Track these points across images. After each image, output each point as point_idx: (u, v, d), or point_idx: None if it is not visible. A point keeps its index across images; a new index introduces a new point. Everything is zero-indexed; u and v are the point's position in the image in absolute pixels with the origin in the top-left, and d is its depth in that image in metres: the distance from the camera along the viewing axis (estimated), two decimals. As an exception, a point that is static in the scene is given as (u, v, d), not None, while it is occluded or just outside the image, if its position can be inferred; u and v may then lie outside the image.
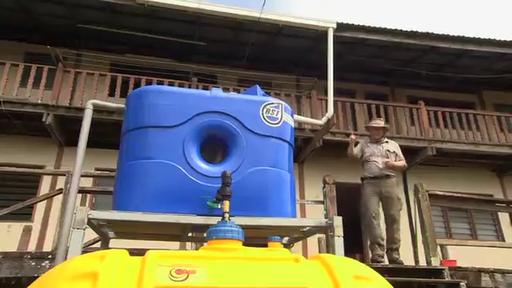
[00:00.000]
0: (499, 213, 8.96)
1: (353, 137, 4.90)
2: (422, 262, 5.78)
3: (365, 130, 5.19)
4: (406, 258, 7.62)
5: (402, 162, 4.92)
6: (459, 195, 5.74)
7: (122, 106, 2.66)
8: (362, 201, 4.84)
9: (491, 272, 4.67)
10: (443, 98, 10.60)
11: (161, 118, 2.37)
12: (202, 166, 2.35)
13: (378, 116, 9.01)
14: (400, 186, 9.45)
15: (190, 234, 2.82)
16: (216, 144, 2.57)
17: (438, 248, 5.46)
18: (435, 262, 4.94)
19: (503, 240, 9.01)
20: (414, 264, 6.86)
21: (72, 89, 8.32)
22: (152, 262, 1.31)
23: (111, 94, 8.03)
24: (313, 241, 6.79)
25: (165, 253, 1.40)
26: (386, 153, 4.83)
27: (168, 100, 2.42)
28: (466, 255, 5.71)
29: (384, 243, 4.76)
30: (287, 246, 3.03)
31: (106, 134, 6.73)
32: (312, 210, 7.90)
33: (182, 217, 2.12)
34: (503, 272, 4.73)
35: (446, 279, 4.51)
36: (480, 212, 9.10)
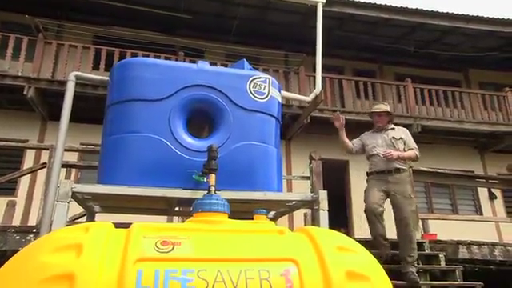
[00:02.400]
0: (479, 188, 9.23)
1: (337, 122, 3.88)
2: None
3: (369, 117, 4.32)
4: (389, 232, 7.87)
5: (413, 152, 3.94)
6: (442, 171, 5.88)
7: (106, 78, 2.59)
8: (364, 195, 4.02)
9: (468, 244, 4.86)
10: (430, 76, 10.66)
11: (146, 91, 2.32)
12: (189, 140, 2.33)
13: (365, 93, 9.04)
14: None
15: (176, 209, 2.83)
16: (202, 118, 2.55)
17: (420, 222, 5.65)
18: (416, 236, 5.10)
19: (481, 214, 9.33)
20: (396, 237, 7.06)
21: (54, 61, 8.06)
22: (137, 233, 1.31)
23: (95, 67, 7.82)
24: (299, 216, 6.91)
25: (150, 225, 1.40)
26: (392, 141, 3.95)
27: (153, 73, 2.37)
28: (447, 229, 5.91)
29: (387, 244, 3.97)
30: (273, 220, 3.07)
31: (91, 108, 6.59)
32: (298, 186, 8.00)
33: (167, 191, 2.11)
34: (479, 244, 4.93)
35: (426, 252, 4.68)
36: (461, 188, 9.35)
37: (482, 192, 9.60)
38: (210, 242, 1.38)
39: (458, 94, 9.56)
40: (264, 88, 2.59)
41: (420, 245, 4.80)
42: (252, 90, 2.54)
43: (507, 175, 5.47)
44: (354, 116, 8.81)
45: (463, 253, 4.76)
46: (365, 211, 3.92)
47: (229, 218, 1.68)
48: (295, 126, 8.78)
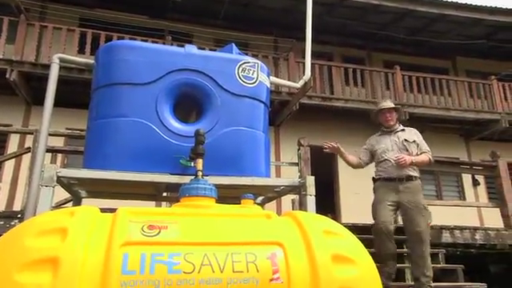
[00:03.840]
0: (463, 175, 9.42)
1: (330, 150, 3.53)
2: (390, 221, 6.09)
3: (373, 119, 3.74)
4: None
5: (427, 156, 3.45)
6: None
7: (92, 61, 2.53)
8: (372, 208, 3.54)
9: (451, 229, 4.99)
10: (418, 64, 10.71)
11: (132, 74, 2.28)
12: (176, 125, 2.31)
13: (354, 80, 9.06)
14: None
15: (164, 194, 2.82)
16: (190, 103, 2.52)
17: (405, 207, 5.76)
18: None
19: (465, 200, 9.55)
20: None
21: (37, 44, 7.84)
22: (123, 217, 1.31)
23: (81, 51, 7.64)
24: (287, 202, 6.96)
25: (136, 209, 1.40)
26: (404, 144, 3.45)
27: (140, 56, 2.32)
28: (433, 215, 6.03)
29: (394, 262, 3.44)
30: (261, 205, 3.09)
31: (77, 93, 6.45)
32: (287, 172, 8.04)
33: (155, 176, 2.10)
34: (461, 228, 5.06)
35: (411, 236, 4.79)
36: (446, 174, 9.53)
37: (466, 178, 9.81)
38: (197, 226, 1.39)
39: (445, 82, 9.65)
40: (253, 73, 2.57)
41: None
42: (240, 74, 2.52)
43: (490, 162, 5.58)
44: (342, 103, 8.85)
45: (446, 237, 4.88)
46: (374, 229, 3.41)
47: (216, 202, 1.68)
48: (284, 112, 8.77)
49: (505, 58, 11.00)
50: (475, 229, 5.09)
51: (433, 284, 3.35)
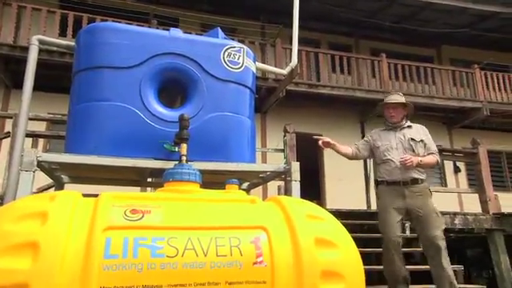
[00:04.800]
0: (445, 162, 9.63)
1: (323, 146, 3.22)
2: (374, 206, 6.21)
3: (379, 112, 3.42)
4: (359, 202, 8.15)
5: (434, 158, 3.11)
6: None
7: (73, 43, 2.47)
8: (378, 218, 3.17)
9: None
10: (404, 52, 10.79)
11: (115, 58, 2.23)
12: (160, 110, 2.28)
13: (341, 67, 9.08)
14: (357, 137, 9.83)
15: (149, 180, 2.80)
16: (175, 88, 2.49)
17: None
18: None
19: (446, 186, 9.78)
20: (365, 208, 7.34)
21: (16, 25, 7.57)
22: (106, 202, 1.29)
23: (62, 33, 7.42)
24: (272, 188, 7.01)
25: (119, 194, 1.38)
26: (410, 143, 3.08)
27: (123, 39, 2.27)
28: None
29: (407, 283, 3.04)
30: (246, 191, 3.10)
31: (59, 77, 6.29)
32: (273, 159, 8.08)
33: (138, 161, 2.08)
34: (442, 214, 5.18)
35: (393, 221, 4.89)
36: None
37: (448, 165, 10.02)
38: (181, 210, 1.39)
39: (430, 70, 9.75)
40: (238, 58, 2.54)
41: (387, 215, 5.01)
42: (226, 59, 2.49)
43: (471, 149, 5.71)
44: (328, 90, 8.88)
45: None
46: (384, 244, 3.04)
47: (201, 188, 1.68)
48: (271, 99, 8.75)
49: (487, 47, 11.17)
50: (455, 214, 5.23)
51: None
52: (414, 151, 3.06)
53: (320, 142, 3.11)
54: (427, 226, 2.93)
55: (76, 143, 2.10)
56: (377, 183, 3.22)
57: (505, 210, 5.56)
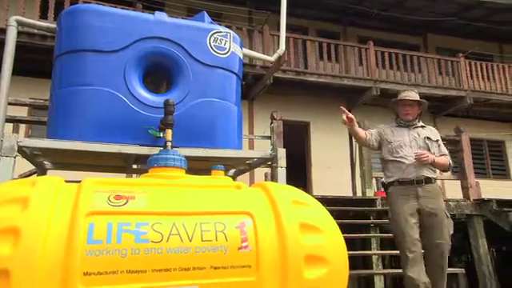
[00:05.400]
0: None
1: (344, 114, 2.91)
2: (359, 193, 6.30)
3: (390, 108, 3.15)
4: (345, 189, 8.26)
5: (447, 160, 2.96)
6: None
7: (54, 25, 2.39)
8: (390, 223, 2.96)
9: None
10: (391, 40, 10.83)
11: (98, 41, 2.18)
12: (145, 95, 2.24)
13: (329, 55, 9.06)
14: (344, 126, 9.89)
15: (135, 166, 2.77)
16: (160, 73, 2.45)
17: (374, 181, 5.96)
18: (369, 193, 5.41)
19: (430, 174, 9.95)
20: (351, 195, 7.45)
21: (-6, 7, 7.31)
22: (89, 187, 1.28)
23: (43, 16, 7.20)
24: (259, 176, 7.05)
25: (103, 179, 1.37)
26: (426, 142, 2.93)
27: (106, 22, 2.21)
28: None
29: None
30: (233, 178, 3.11)
31: (41, 60, 6.13)
32: (260, 146, 8.10)
33: (123, 147, 2.05)
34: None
35: (378, 208, 4.99)
36: (413, 149, 9.89)
37: (432, 153, 10.20)
38: (166, 196, 1.38)
39: (416, 59, 9.83)
40: (225, 43, 2.51)
41: (372, 201, 5.10)
42: (212, 44, 2.46)
43: (454, 136, 5.82)
44: (316, 78, 8.88)
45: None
46: (399, 245, 2.80)
47: (187, 174, 1.67)
48: (258, 86, 8.71)
49: (472, 36, 11.29)
50: (438, 200, 5.33)
51: None
52: (429, 150, 2.89)
53: (345, 117, 2.84)
54: (437, 230, 2.75)
55: (58, 128, 2.05)
56: (386, 185, 2.98)
57: (485, 196, 5.71)
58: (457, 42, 11.25)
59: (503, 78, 10.12)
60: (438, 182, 2.98)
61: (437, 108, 10.44)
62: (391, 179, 2.90)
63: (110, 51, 2.18)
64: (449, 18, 10.48)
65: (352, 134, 3.16)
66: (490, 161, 10.52)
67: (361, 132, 2.99)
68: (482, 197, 5.59)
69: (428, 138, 2.95)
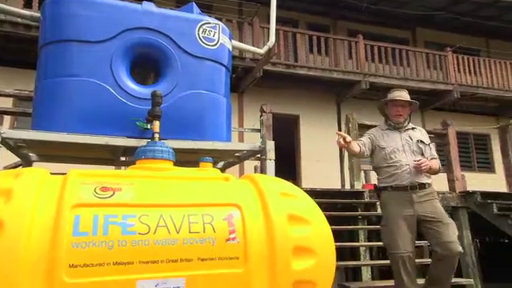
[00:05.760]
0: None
1: (341, 138, 2.61)
2: (347, 186, 6.35)
3: (380, 109, 3.01)
4: (334, 182, 8.33)
5: (438, 163, 2.84)
6: (384, 126, 6.18)
7: (38, 14, 2.34)
8: (382, 229, 2.83)
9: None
10: (381, 33, 10.87)
11: (84, 31, 2.14)
12: (133, 86, 2.22)
13: (318, 48, 9.06)
14: (333, 118, 9.93)
15: (123, 159, 2.75)
16: (148, 64, 2.42)
17: (362, 173, 6.02)
18: (358, 186, 5.46)
19: (417, 167, 10.08)
20: (340, 187, 7.51)
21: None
22: (74, 179, 1.26)
23: (27, 4, 7.02)
24: (249, 169, 7.06)
25: (89, 171, 1.35)
26: (420, 146, 2.80)
27: (93, 11, 2.18)
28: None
29: None
30: (222, 170, 3.10)
31: (25, 51, 6.00)
32: (250, 140, 8.09)
33: (110, 139, 2.03)
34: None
35: (366, 200, 5.04)
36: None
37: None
38: (153, 188, 1.37)
39: (405, 52, 9.89)
40: (214, 34, 2.49)
41: (360, 194, 5.15)
42: (201, 35, 2.44)
43: (441, 130, 5.90)
44: (306, 71, 8.88)
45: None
46: (392, 261, 2.68)
47: (175, 166, 1.66)
48: (248, 79, 8.68)
49: (460, 30, 11.39)
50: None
51: None
52: (422, 154, 2.77)
53: (342, 140, 2.60)
54: (443, 232, 2.61)
55: (43, 120, 2.02)
56: (379, 190, 2.87)
57: (470, 188, 5.82)
58: (445, 36, 11.34)
59: (489, 72, 10.26)
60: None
61: (424, 102, 10.55)
62: (384, 184, 2.79)
63: (97, 41, 2.15)
64: (437, 12, 10.56)
65: (348, 152, 3.07)
66: (475, 154, 10.70)
67: (355, 147, 2.81)
68: (468, 189, 5.69)
69: (421, 141, 2.82)
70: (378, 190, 2.91)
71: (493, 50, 11.54)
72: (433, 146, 2.90)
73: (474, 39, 11.58)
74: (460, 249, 2.62)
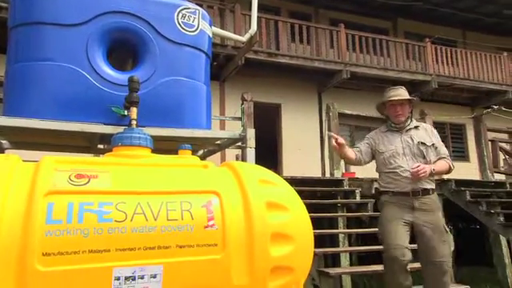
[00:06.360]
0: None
1: (333, 139, 2.61)
2: (328, 175, 6.44)
3: (378, 110, 2.90)
4: (315, 171, 8.43)
5: (447, 163, 2.65)
6: (364, 114, 6.29)
7: (7, -5, 2.24)
8: (379, 227, 2.70)
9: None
10: (362, 23, 10.93)
11: (58, 13, 2.07)
12: (110, 72, 2.16)
13: (300, 37, 9.04)
14: (315, 107, 9.99)
15: (101, 147, 2.69)
16: (125, 50, 2.36)
17: (342, 162, 6.11)
18: (337, 174, 5.54)
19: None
20: (320, 176, 7.61)
21: None
22: (48, 166, 1.23)
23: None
24: (231, 158, 7.05)
25: (63, 158, 1.32)
26: (420, 148, 2.61)
27: (67, -8, 2.09)
28: (365, 168, 6.46)
29: None
30: (202, 158, 3.08)
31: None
32: (231, 128, 8.07)
33: (86, 125, 1.98)
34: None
35: (345, 188, 5.13)
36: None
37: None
38: (130, 175, 1.35)
39: (385, 43, 10.00)
40: (193, 20, 2.44)
41: (340, 182, 5.24)
42: (180, 21, 2.39)
43: (418, 119, 6.03)
44: (288, 59, 8.86)
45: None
46: (385, 256, 2.53)
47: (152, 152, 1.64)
48: (230, 67, 8.61)
49: (439, 21, 11.58)
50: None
51: None
52: (424, 158, 2.58)
53: (334, 142, 2.56)
54: (435, 246, 2.47)
55: (14, 105, 1.95)
56: (379, 193, 2.74)
57: (445, 176, 5.98)
58: (424, 27, 11.51)
59: (466, 63, 10.50)
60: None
61: (404, 92, 10.73)
62: (385, 189, 2.65)
63: (71, 25, 2.08)
64: (416, 2, 10.68)
65: (341, 157, 2.90)
66: (451, 143, 11.00)
67: (349, 153, 2.68)
68: (443, 177, 5.86)
69: (422, 143, 2.61)
70: (378, 194, 2.79)
71: (469, 41, 11.79)
72: (439, 144, 2.68)
73: (451, 30, 11.80)
74: (446, 267, 2.47)
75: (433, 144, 2.65)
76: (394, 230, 2.51)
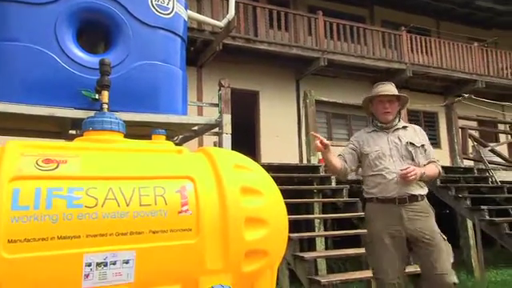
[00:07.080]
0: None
1: (317, 140, 2.31)
2: (305, 161, 6.51)
3: (364, 107, 2.63)
4: (293, 157, 8.50)
5: (437, 167, 2.44)
6: (340, 102, 6.36)
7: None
8: (366, 246, 2.48)
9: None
10: (339, 10, 10.95)
11: (23, -9, 1.96)
12: (80, 54, 2.09)
13: (278, 24, 8.99)
14: (293, 94, 10.01)
15: (73, 132, 2.62)
16: (97, 31, 2.29)
17: (319, 149, 6.19)
18: (314, 161, 5.61)
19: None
20: (297, 162, 7.69)
21: None
22: (13, 151, 1.18)
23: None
24: (208, 144, 6.99)
25: (30, 142, 1.27)
26: (409, 149, 2.39)
27: (32, -31, 1.99)
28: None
29: None
30: (179, 145, 3.05)
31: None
32: (209, 114, 7.99)
33: (55, 110, 1.92)
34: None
35: (321, 174, 5.21)
36: (357, 118, 10.31)
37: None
38: (101, 160, 1.32)
39: (363, 31, 10.07)
40: (168, 3, 2.39)
41: (316, 168, 5.31)
42: (154, 3, 2.33)
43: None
44: (266, 46, 8.81)
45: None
46: (378, 283, 2.34)
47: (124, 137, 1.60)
48: (207, 52, 8.47)
49: (414, 10, 11.75)
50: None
51: None
52: (413, 160, 2.37)
53: (318, 142, 2.30)
54: (435, 258, 2.25)
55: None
56: (364, 201, 2.53)
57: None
58: (400, 15, 11.65)
59: (439, 52, 10.73)
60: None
61: (379, 79, 10.89)
62: (369, 195, 2.42)
63: (38, 3, 1.99)
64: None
65: (325, 163, 2.61)
66: (425, 131, 11.31)
67: (335, 161, 2.43)
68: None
69: (411, 143, 2.41)
70: (363, 201, 2.59)
71: (443, 31, 12.04)
72: (429, 146, 2.50)
73: (426, 19, 12.00)
74: (454, 280, 2.25)
75: (422, 145, 2.44)
76: (383, 256, 2.28)
